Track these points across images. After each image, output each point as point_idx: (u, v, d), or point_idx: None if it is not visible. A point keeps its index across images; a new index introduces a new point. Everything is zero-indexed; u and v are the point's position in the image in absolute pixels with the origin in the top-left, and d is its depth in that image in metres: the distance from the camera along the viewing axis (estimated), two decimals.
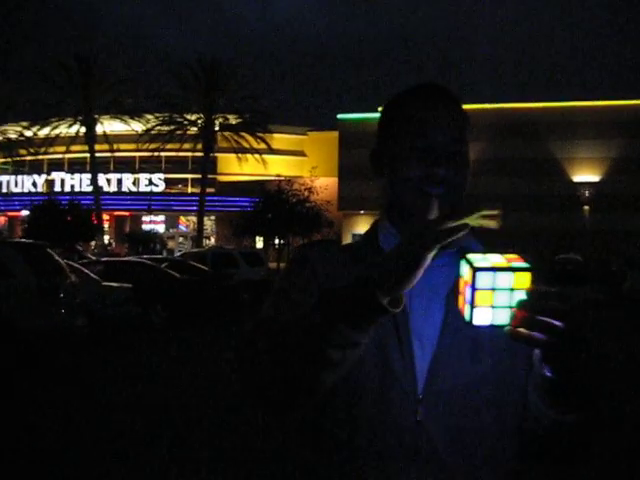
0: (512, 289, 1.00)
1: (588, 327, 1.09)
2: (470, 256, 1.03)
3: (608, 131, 45.01)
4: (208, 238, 56.06)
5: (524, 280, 1.00)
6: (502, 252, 1.06)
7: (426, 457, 1.24)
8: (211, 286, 18.78)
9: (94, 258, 21.97)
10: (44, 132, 45.42)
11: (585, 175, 46.31)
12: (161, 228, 56.31)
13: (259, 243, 44.57)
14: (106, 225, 52.60)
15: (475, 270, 0.99)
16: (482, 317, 1.01)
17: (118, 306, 12.91)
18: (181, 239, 57.46)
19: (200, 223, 44.98)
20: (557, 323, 1.02)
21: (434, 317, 1.30)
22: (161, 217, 56.45)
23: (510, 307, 1.01)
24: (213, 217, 54.86)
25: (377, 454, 1.25)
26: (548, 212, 45.35)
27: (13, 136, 45.39)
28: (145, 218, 53.90)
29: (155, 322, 15.71)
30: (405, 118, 1.34)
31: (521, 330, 1.02)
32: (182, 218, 57.84)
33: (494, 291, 1.00)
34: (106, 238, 51.68)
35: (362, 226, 50.47)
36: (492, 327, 1.02)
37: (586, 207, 45.83)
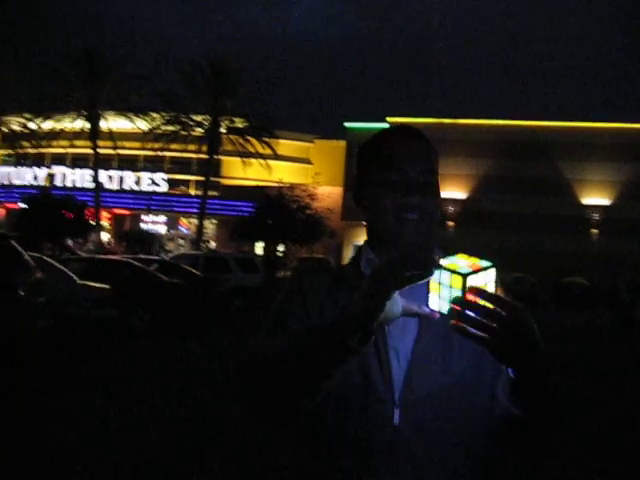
0: (450, 286, 1.18)
1: (532, 330, 1.20)
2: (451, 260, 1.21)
3: (621, 154, 44.05)
4: (209, 242, 55.24)
5: (459, 282, 1.17)
6: (475, 256, 1.22)
7: (402, 458, 1.39)
8: (200, 291, 17.96)
9: (83, 255, 21.15)
10: (47, 125, 44.75)
11: (595, 198, 45.36)
12: (162, 229, 55.48)
13: (259, 249, 43.75)
14: (106, 223, 51.86)
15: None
16: (434, 304, 1.22)
17: (93, 307, 12.03)
18: (181, 241, 56.60)
19: (200, 226, 44.14)
20: (486, 322, 1.15)
21: (410, 331, 1.45)
22: (163, 218, 55.63)
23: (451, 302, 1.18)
24: (215, 221, 54.00)
25: (357, 454, 1.40)
26: (555, 233, 44.40)
27: (16, 128, 44.71)
28: (146, 217, 53.04)
29: (136, 326, 14.87)
30: (380, 155, 1.53)
31: (459, 324, 1.16)
32: (184, 220, 56.98)
33: (440, 285, 1.20)
34: (106, 236, 50.91)
35: (364, 237, 49.62)
36: (441, 315, 1.21)
37: (595, 230, 44.91)
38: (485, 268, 1.19)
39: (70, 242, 28.85)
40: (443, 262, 1.20)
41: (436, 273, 1.19)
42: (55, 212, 23.56)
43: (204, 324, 16.98)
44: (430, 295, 1.22)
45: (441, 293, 1.20)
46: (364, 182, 1.56)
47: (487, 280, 1.19)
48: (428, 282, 1.21)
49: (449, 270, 1.18)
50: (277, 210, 25.57)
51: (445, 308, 1.20)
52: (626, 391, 10.78)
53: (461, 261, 1.20)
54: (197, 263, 21.26)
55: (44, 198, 24.27)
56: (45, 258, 12.95)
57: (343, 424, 1.42)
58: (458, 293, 1.17)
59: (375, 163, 1.53)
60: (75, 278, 12.50)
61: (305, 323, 1.45)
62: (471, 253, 1.22)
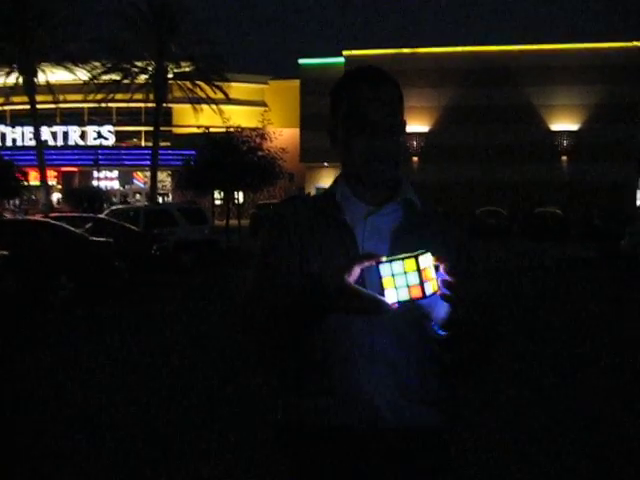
0: (405, 272, 1.38)
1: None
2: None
3: (589, 76, 42.15)
4: (167, 195, 52.84)
5: (412, 265, 1.38)
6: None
7: (380, 360, 1.65)
8: (138, 248, 15.92)
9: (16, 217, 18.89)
10: None
11: (563, 123, 43.61)
12: (115, 184, 52.89)
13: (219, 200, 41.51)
14: (54, 182, 49.14)
15: (377, 263, 1.40)
16: (391, 297, 1.40)
17: None
18: (138, 196, 54.06)
19: (154, 178, 41.63)
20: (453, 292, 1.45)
21: (384, 240, 1.67)
22: (115, 173, 52.94)
23: (407, 286, 1.39)
24: (170, 172, 51.44)
25: (341, 359, 1.65)
26: (524, 162, 42.72)
27: None
28: (97, 174, 50.33)
29: (60, 296, 12.80)
30: (349, 100, 1.69)
31: (447, 294, 1.45)
32: (139, 174, 54.32)
33: (393, 277, 1.38)
34: (56, 196, 48.33)
35: (326, 179, 47.39)
36: (400, 304, 1.41)
37: (564, 157, 43.34)
38: (423, 253, 1.39)
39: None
40: (387, 259, 1.40)
41: (386, 268, 1.38)
42: None
43: (147, 285, 15.04)
44: (386, 291, 1.39)
45: (397, 283, 1.38)
46: (337, 123, 1.73)
47: (428, 263, 1.40)
48: (380, 278, 1.39)
49: (400, 259, 1.38)
50: (224, 153, 23.30)
51: (403, 295, 1.39)
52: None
53: (399, 255, 1.40)
54: (137, 218, 19.10)
55: None
56: None
57: (328, 334, 1.64)
58: (415, 275, 1.37)
59: (343, 107, 1.70)
60: None
61: (286, 254, 1.70)
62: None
